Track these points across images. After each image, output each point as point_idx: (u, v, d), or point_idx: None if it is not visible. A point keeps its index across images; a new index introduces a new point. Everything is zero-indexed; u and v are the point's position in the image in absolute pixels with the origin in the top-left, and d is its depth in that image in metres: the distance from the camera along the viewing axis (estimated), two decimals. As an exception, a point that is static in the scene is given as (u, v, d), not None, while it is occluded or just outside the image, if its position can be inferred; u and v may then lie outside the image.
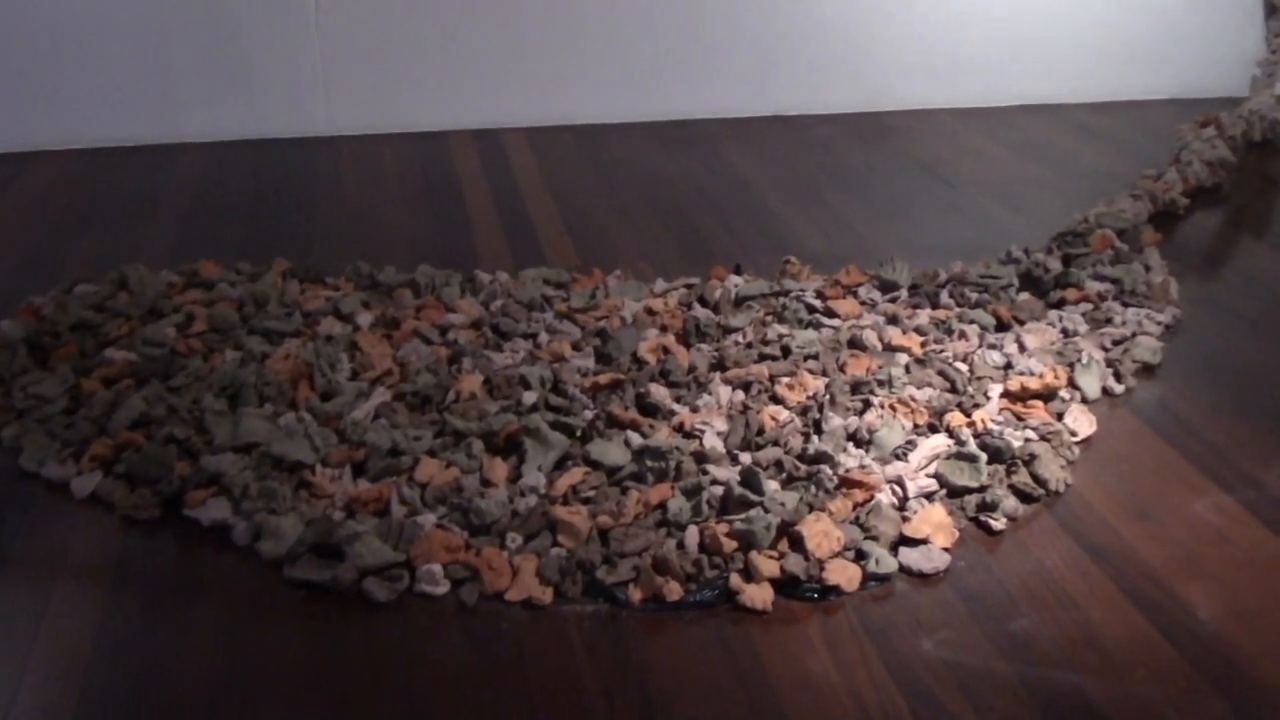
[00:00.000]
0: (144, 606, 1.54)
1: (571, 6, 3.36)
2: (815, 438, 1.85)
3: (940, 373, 2.04)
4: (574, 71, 3.43)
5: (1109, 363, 2.13)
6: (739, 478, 1.72)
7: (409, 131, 3.37)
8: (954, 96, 3.71)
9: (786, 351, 2.12)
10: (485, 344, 2.13)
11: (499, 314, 2.23)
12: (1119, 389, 2.08)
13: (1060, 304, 2.35)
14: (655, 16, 3.42)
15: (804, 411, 1.93)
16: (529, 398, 1.93)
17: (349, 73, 3.31)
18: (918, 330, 2.21)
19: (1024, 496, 1.77)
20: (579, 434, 1.84)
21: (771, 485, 1.72)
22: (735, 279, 2.39)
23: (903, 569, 1.62)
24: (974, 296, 2.34)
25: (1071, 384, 2.05)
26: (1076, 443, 1.91)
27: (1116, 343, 2.21)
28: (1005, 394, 2.00)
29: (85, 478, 1.77)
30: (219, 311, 2.18)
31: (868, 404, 1.93)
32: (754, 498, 1.67)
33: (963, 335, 2.18)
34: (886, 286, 2.39)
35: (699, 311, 2.26)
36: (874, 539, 1.65)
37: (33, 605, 1.54)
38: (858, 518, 1.69)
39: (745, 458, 1.81)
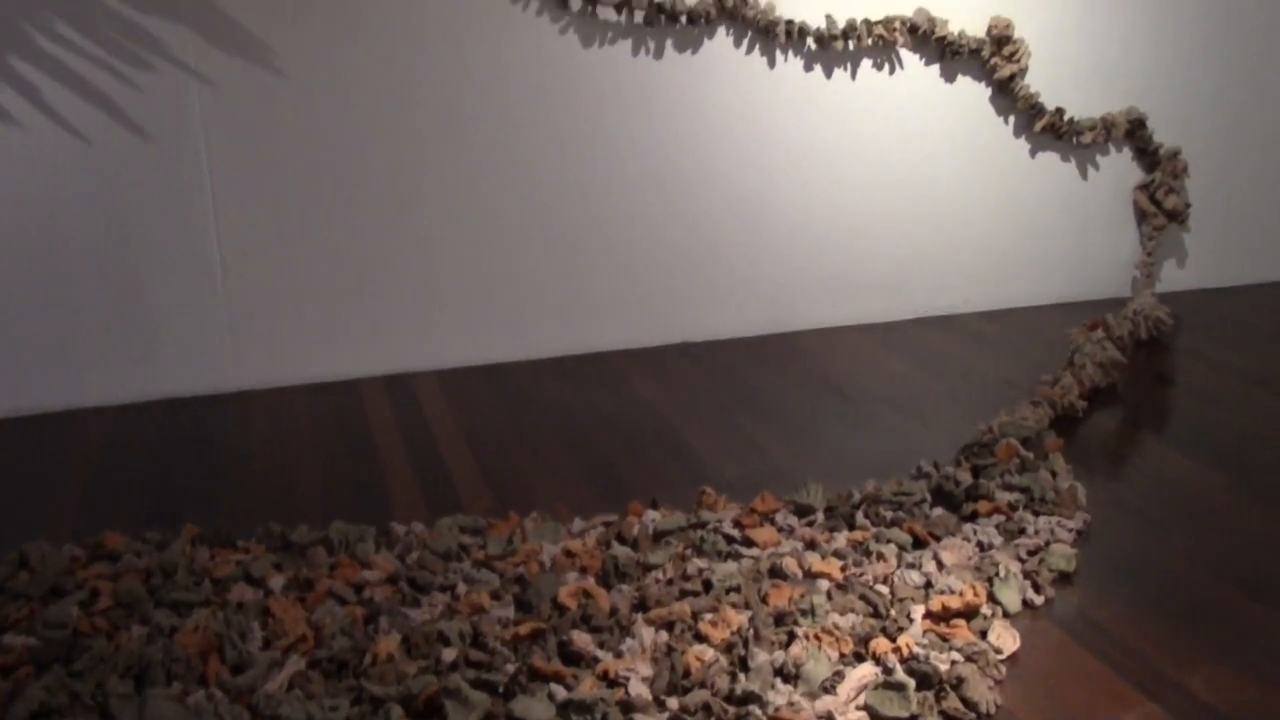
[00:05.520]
0: None
1: (471, 248, 3.45)
2: (742, 676, 1.83)
3: (862, 597, 2.04)
4: (481, 311, 3.49)
5: (1026, 574, 2.15)
6: (667, 726, 1.68)
7: (319, 382, 3.39)
8: (853, 313, 3.83)
9: (708, 586, 2.10)
10: (402, 600, 2.09)
11: (415, 567, 2.20)
12: (1039, 600, 2.09)
13: (973, 516, 2.38)
14: (556, 253, 3.52)
15: (729, 649, 1.91)
16: (448, 655, 1.88)
17: (256, 326, 3.33)
18: (836, 554, 2.22)
19: (956, 722, 1.75)
20: (501, 690, 1.79)
21: (701, 731, 1.68)
22: (652, 514, 2.40)
23: (840, 811, 1.58)
24: (889, 515, 2.37)
25: (992, 599, 2.06)
26: (1002, 660, 1.90)
27: (1031, 553, 2.24)
28: (928, 615, 2.01)
29: (-20, 779, 1.68)
30: (125, 585, 2.12)
31: (792, 636, 1.92)
32: (683, 747, 1.63)
33: (881, 556, 2.20)
34: (802, 511, 2.41)
35: (618, 550, 2.25)
36: (809, 781, 1.61)
37: None
38: (791, 759, 1.65)
39: (672, 703, 1.77)
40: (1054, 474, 2.56)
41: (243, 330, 3.32)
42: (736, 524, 2.35)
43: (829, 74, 3.63)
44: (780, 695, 1.79)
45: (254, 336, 3.33)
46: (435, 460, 2.81)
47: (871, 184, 3.75)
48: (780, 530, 2.34)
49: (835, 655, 1.88)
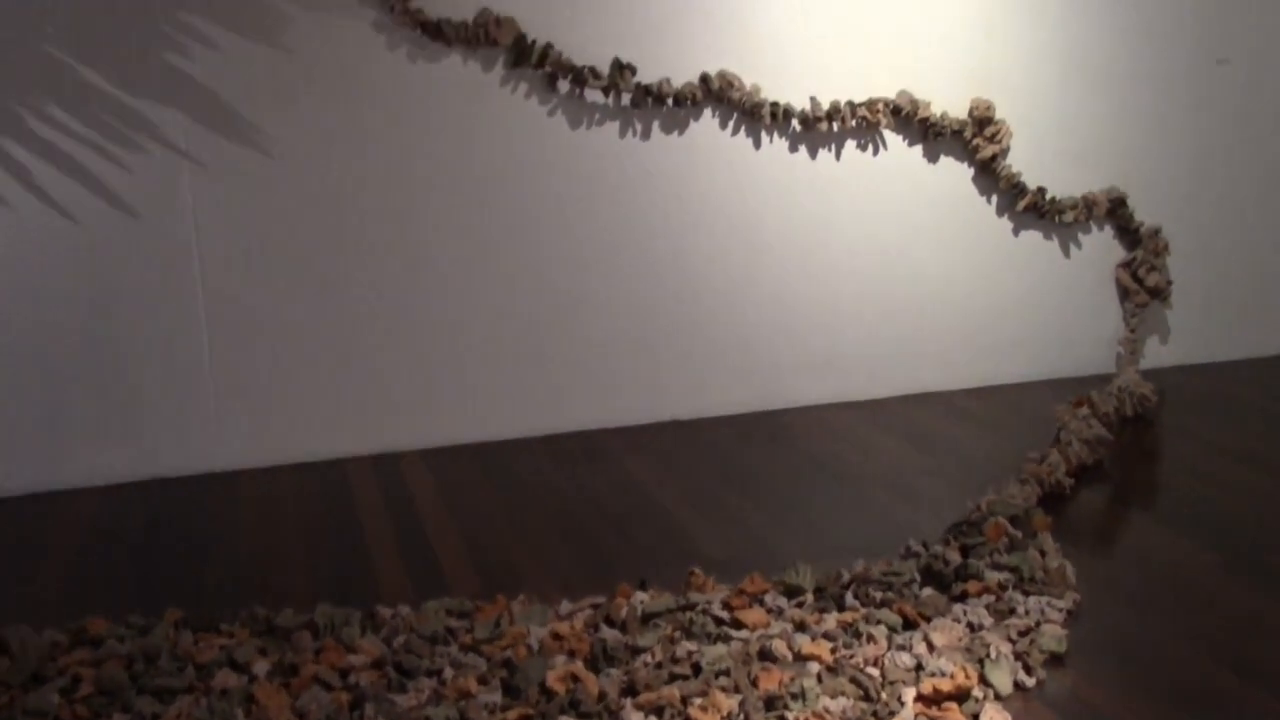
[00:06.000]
0: None
1: (457, 327, 3.46)
2: (732, 762, 1.81)
3: (853, 680, 2.02)
4: (467, 390, 3.50)
5: (1017, 655, 2.14)
6: (657, 815, 1.66)
7: (306, 461, 3.37)
8: (840, 391, 3.84)
9: (697, 669, 2.09)
10: (388, 685, 2.07)
11: (401, 651, 2.18)
12: (1030, 682, 2.08)
13: (963, 597, 2.37)
14: (543, 331, 3.53)
15: (719, 734, 1.89)
16: (435, 742, 1.86)
17: (243, 405, 3.32)
18: (826, 636, 2.20)
19: (949, 809, 1.73)
20: (489, 779, 1.77)
21: (691, 820, 1.66)
22: (641, 595, 2.38)
23: None
24: (878, 596, 2.36)
25: (983, 681, 2.05)
26: (995, 744, 1.89)
27: (1022, 633, 2.22)
28: (919, 698, 1.99)
29: None
30: (107, 672, 2.09)
31: (783, 720, 1.90)
32: (674, 837, 1.61)
33: (871, 638, 2.18)
34: (792, 592, 2.39)
35: (606, 633, 2.23)
36: None
37: None
38: None
39: (662, 791, 1.75)
40: (1043, 553, 2.55)
41: (229, 409, 3.31)
42: (725, 605, 2.33)
43: (814, 154, 3.68)
44: (771, 782, 1.77)
45: (241, 415, 3.33)
46: (422, 541, 2.80)
47: (857, 262, 3.78)
48: (770, 611, 2.32)
49: (826, 740, 1.86)
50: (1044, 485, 2.94)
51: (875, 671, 2.07)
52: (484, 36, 3.30)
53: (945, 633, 2.19)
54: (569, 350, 3.57)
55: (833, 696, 1.98)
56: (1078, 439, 3.17)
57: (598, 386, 3.62)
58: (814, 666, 2.09)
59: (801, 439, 3.49)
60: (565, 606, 2.37)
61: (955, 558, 2.49)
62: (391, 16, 3.24)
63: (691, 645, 2.17)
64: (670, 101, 3.49)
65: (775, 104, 3.57)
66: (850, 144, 3.71)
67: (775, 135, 3.63)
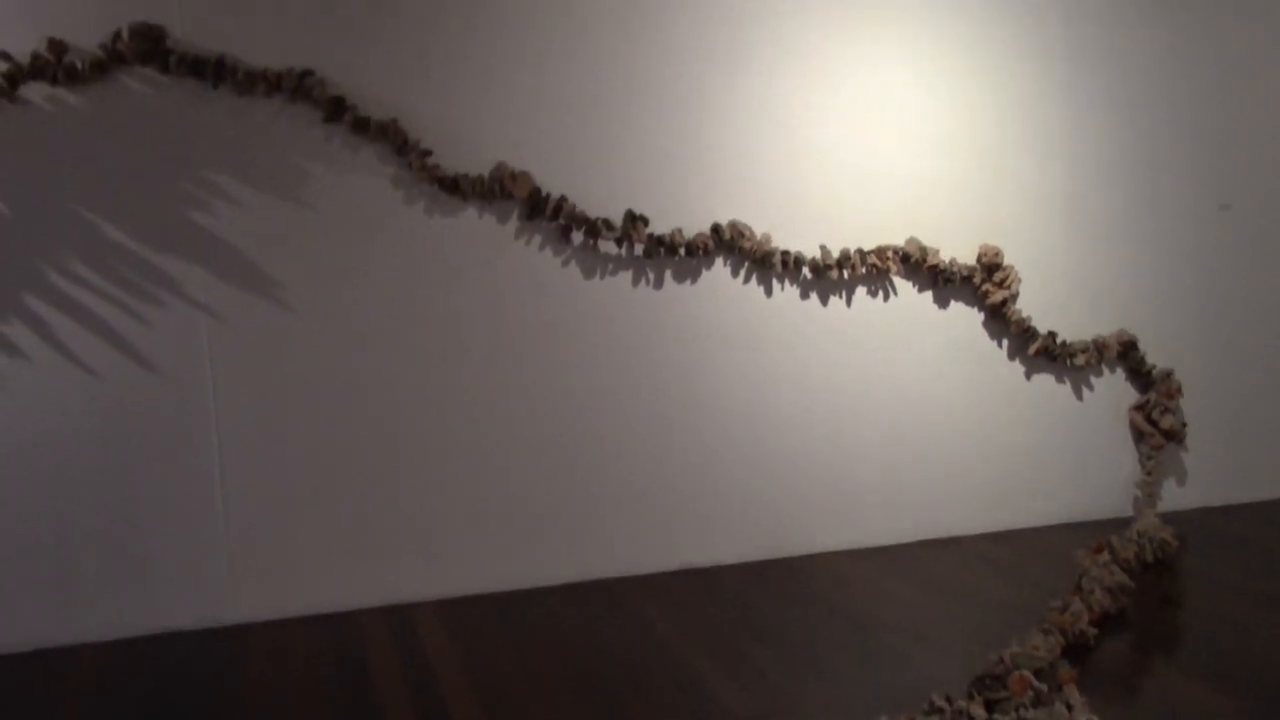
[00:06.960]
0: None
1: (472, 477, 3.45)
2: None
3: (879, 846, 1.97)
4: (481, 540, 3.48)
5: (1048, 817, 2.08)
6: None
7: (318, 613, 3.34)
8: (857, 537, 3.81)
9: (718, 834, 2.03)
10: None
11: (415, 816, 2.12)
12: (1063, 846, 2.02)
13: (989, 755, 2.32)
14: (557, 480, 3.52)
15: None
16: None
17: (256, 558, 3.30)
18: (850, 797, 2.15)
19: None
20: None
21: None
22: (659, 755, 2.33)
23: None
24: (902, 754, 2.30)
25: (1014, 846, 1.99)
26: None
27: (1052, 794, 2.17)
28: None
29: None
30: (113, 840, 2.04)
31: None
32: None
33: (896, 800, 2.12)
34: (813, 750, 2.34)
35: (624, 795, 2.18)
36: None
37: None
38: None
39: None
40: (1070, 707, 2.50)
41: (243, 563, 3.29)
42: (746, 765, 2.28)
43: (825, 301, 3.72)
44: None
45: (254, 569, 3.30)
46: (436, 696, 2.75)
47: (870, 408, 3.79)
48: (792, 771, 2.27)
49: None
50: (1068, 635, 2.89)
51: (902, 836, 2.01)
52: (500, 190, 3.38)
53: (973, 794, 2.14)
54: (580, 498, 3.56)
55: None
56: (1100, 586, 3.13)
57: (612, 535, 3.59)
58: (839, 831, 2.03)
59: (818, 587, 3.45)
60: (582, 767, 2.31)
61: (980, 713, 2.44)
62: (409, 172, 3.32)
63: (712, 808, 2.12)
64: (682, 251, 3.54)
65: (786, 252, 3.63)
66: (861, 291, 3.75)
67: (786, 283, 3.68)
